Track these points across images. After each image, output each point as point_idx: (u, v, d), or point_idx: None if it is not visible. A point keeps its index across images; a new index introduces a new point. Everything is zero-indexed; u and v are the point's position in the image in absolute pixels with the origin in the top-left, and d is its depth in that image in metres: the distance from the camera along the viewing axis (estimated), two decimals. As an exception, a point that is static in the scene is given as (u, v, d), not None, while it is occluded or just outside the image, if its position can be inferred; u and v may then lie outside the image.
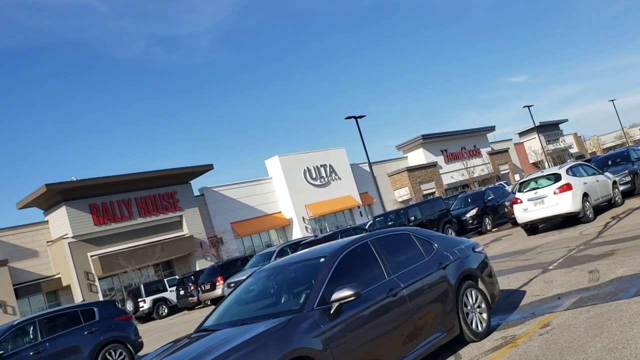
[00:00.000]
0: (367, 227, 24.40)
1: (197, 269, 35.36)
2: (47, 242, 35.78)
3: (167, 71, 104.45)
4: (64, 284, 34.96)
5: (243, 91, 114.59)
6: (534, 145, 71.94)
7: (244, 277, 6.74)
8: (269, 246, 39.68)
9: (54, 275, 35.24)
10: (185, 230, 39.92)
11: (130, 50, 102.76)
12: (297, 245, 22.04)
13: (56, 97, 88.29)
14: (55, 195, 34.81)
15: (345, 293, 5.04)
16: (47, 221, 36.44)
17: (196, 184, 42.68)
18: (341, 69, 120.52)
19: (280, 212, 46.78)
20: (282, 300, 5.83)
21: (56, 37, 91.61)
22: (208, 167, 41.57)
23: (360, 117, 36.33)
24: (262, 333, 4.69)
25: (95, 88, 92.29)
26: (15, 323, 11.43)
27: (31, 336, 11.21)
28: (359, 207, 50.57)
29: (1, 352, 10.48)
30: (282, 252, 21.52)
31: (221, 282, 23.68)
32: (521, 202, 15.50)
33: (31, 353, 10.78)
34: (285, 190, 46.45)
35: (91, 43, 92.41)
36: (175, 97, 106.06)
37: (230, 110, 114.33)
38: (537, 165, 70.36)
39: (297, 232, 45.24)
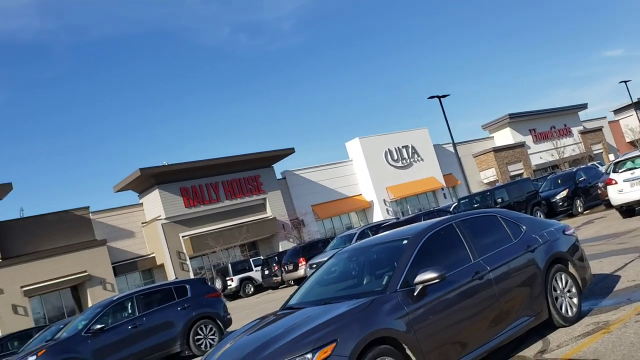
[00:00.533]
0: (451, 209, 23.96)
1: (280, 250, 36.15)
2: (142, 223, 37.80)
3: (251, 57, 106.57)
4: (158, 262, 36.90)
5: (324, 74, 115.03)
6: (631, 123, 67.45)
7: (326, 259, 6.84)
8: (349, 228, 39.85)
9: (149, 255, 37.24)
10: (269, 213, 40.87)
11: (215, 36, 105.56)
12: (378, 227, 22.01)
13: (141, 82, 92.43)
14: (148, 179, 36.67)
15: (429, 275, 5.02)
16: (142, 204, 38.46)
17: (278, 168, 43.48)
18: (426, 51, 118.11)
19: (360, 194, 46.81)
20: (364, 282, 5.88)
21: (146, 25, 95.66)
22: (290, 151, 42.19)
23: (444, 96, 35.47)
24: (346, 312, 4.77)
25: (182, 75, 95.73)
26: (114, 299, 12.20)
27: (129, 311, 11.93)
28: (442, 189, 49.64)
29: (102, 325, 11.20)
30: (362, 235, 21.57)
31: (303, 263, 24.10)
32: (616, 183, 14.67)
33: (129, 327, 11.48)
34: (366, 173, 46.37)
35: (178, 31, 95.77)
36: (258, 82, 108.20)
37: (311, 93, 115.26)
38: (635, 144, 66.02)
39: (378, 215, 45.14)
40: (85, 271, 33.02)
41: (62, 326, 13.64)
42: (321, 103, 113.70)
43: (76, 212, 35.37)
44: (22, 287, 30.90)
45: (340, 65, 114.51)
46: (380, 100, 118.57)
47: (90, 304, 31.49)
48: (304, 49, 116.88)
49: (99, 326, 11.13)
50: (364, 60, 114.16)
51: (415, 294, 5.04)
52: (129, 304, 12.01)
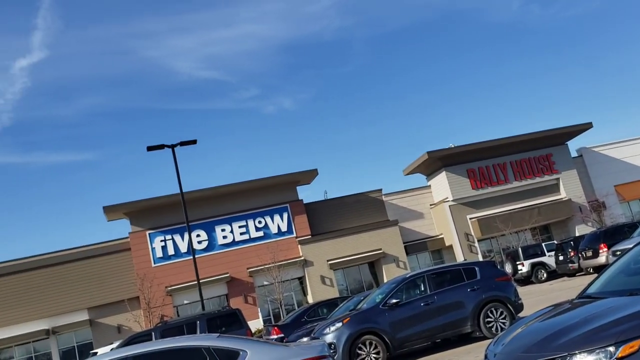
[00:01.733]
0: None
1: (577, 234, 33.49)
2: (430, 205, 39.00)
3: (543, 28, 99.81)
4: (446, 243, 37.68)
5: (634, 35, 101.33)
6: None
7: (632, 246, 6.19)
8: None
9: (437, 236, 38.27)
10: (563, 194, 38.16)
11: (504, 12, 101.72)
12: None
13: (430, 67, 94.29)
14: (435, 162, 37.64)
15: None
16: (430, 186, 39.65)
17: (573, 145, 40.24)
18: None
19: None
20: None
21: (434, 10, 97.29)
22: (586, 126, 38.62)
23: None
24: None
25: (468, 56, 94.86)
26: (407, 276, 12.94)
27: (421, 289, 12.53)
28: None
29: (397, 300, 11.99)
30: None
31: (605, 249, 21.94)
32: None
33: (422, 304, 12.06)
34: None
35: (467, 12, 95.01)
36: (547, 54, 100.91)
37: (614, 59, 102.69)
38: None
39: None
40: (380, 249, 35.57)
41: (362, 298, 14.99)
42: (627, 69, 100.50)
43: (371, 195, 38.29)
44: (328, 260, 34.83)
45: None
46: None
47: (385, 280, 33.87)
48: (605, 10, 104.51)
49: (394, 301, 11.94)
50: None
51: None
52: (421, 282, 12.61)
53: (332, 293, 33.24)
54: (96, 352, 25.55)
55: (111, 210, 33.35)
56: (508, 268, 29.03)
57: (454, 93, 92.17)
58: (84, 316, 33.02)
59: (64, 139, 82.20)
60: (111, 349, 13.08)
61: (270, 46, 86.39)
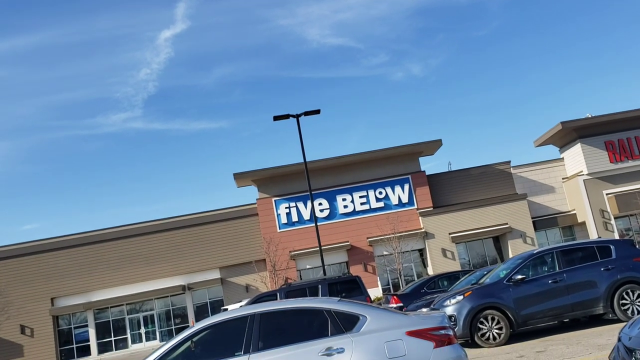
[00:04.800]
0: None
1: None
2: (562, 178, 36.80)
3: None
4: (579, 220, 35.45)
5: None
6: None
7: None
8: None
9: (569, 211, 36.12)
10: None
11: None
12: None
13: (571, 39, 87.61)
14: (570, 133, 35.31)
15: None
16: (562, 158, 37.36)
17: None
18: None
19: None
20: None
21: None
22: None
23: None
24: None
25: (602, 14, 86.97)
26: (534, 252, 12.44)
27: (550, 265, 12.01)
28: None
29: (523, 276, 11.61)
30: None
31: None
32: None
33: (549, 281, 11.57)
34: None
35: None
36: None
37: None
38: None
39: None
40: (506, 223, 34.31)
41: (485, 272, 14.67)
42: None
43: (498, 167, 36.89)
44: (450, 233, 34.25)
45: None
46: None
47: (510, 255, 32.74)
48: None
49: (519, 276, 11.57)
50: None
51: None
52: (550, 259, 12.10)
53: (454, 266, 32.77)
54: (226, 309, 27.36)
55: (241, 178, 35.14)
56: (649, 249, 26.81)
57: (592, 57, 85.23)
58: (216, 275, 35.41)
59: (201, 108, 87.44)
60: (240, 306, 14.01)
61: (401, 10, 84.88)
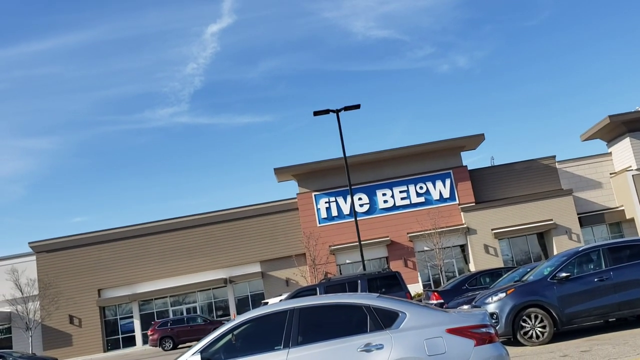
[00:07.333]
0: None
1: None
2: (610, 173, 35.71)
3: None
4: (627, 216, 34.35)
5: None
6: None
7: None
8: None
9: (617, 207, 35.04)
10: None
11: None
12: None
13: (621, 31, 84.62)
14: (618, 127, 34.22)
15: None
16: (610, 153, 36.24)
17: None
18: None
19: None
20: None
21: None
22: None
23: None
24: None
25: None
26: (579, 249, 12.10)
27: (596, 263, 11.67)
28: None
29: (568, 274, 11.31)
30: None
31: None
32: None
33: (595, 279, 11.25)
34: None
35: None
36: None
37: None
38: None
39: None
40: (551, 219, 33.54)
41: (529, 269, 14.37)
42: None
43: (543, 161, 36.05)
44: (492, 229, 33.70)
45: None
46: None
47: (555, 252, 31.99)
48: None
49: (564, 274, 11.29)
50: None
51: None
52: (596, 256, 11.76)
53: (496, 263, 32.24)
54: (267, 302, 27.64)
55: (281, 172, 35.37)
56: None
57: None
58: (256, 268, 35.81)
59: (246, 102, 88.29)
60: (280, 300, 14.11)
61: (447, 1, 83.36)
